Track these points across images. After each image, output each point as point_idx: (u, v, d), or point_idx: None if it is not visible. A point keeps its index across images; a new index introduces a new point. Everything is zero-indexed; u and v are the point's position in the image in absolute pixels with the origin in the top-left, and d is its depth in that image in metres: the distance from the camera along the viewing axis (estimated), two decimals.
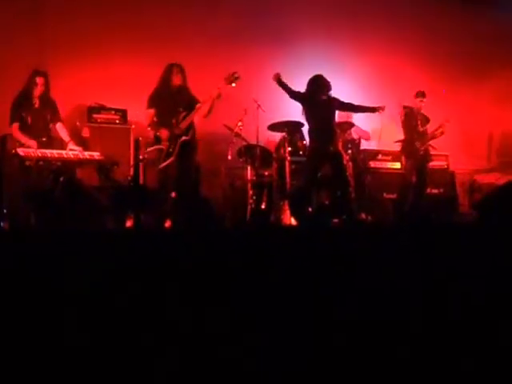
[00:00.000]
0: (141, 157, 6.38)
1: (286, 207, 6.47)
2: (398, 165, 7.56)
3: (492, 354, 1.93)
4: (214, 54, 7.43)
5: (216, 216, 5.59)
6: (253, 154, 6.77)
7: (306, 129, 6.52)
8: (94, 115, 6.76)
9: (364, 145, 7.87)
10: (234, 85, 5.94)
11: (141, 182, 6.44)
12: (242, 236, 2.95)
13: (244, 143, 6.79)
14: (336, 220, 6.10)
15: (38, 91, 5.78)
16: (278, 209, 6.60)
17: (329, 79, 6.17)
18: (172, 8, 7.58)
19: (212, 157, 7.05)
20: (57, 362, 1.79)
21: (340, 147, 6.28)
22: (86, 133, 6.49)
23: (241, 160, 6.81)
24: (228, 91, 6.02)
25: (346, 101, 6.32)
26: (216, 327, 1.91)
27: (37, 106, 5.81)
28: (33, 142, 5.57)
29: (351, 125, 7.35)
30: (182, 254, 2.29)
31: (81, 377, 1.77)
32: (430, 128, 7.30)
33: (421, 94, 7.27)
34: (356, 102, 6.41)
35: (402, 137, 7.34)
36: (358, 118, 7.57)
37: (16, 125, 5.69)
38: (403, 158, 7.31)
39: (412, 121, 7.23)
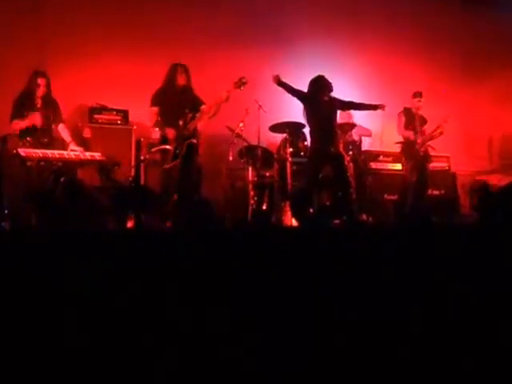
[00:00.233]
0: (142, 157, 6.39)
1: (287, 208, 6.47)
2: (398, 166, 7.55)
3: (492, 353, 1.93)
4: (215, 53, 7.44)
5: (216, 217, 5.58)
6: (254, 154, 6.77)
7: (307, 130, 6.52)
8: (96, 116, 6.77)
9: (365, 146, 7.88)
10: (242, 88, 5.98)
11: (142, 182, 6.45)
12: (242, 236, 2.95)
13: (245, 144, 6.79)
14: (337, 221, 6.10)
15: (40, 92, 5.80)
16: (279, 210, 6.60)
17: (329, 79, 6.17)
18: (173, 7, 7.59)
19: (213, 158, 7.05)
20: (57, 361, 1.79)
21: (341, 148, 6.28)
22: (87, 133, 6.50)
23: (242, 161, 6.81)
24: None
25: (347, 99, 6.33)
26: (216, 327, 1.91)
27: (39, 106, 5.83)
28: (36, 116, 5.58)
29: (352, 126, 7.36)
30: (182, 254, 2.29)
31: (81, 377, 1.77)
32: (428, 129, 7.30)
33: (418, 95, 7.27)
34: (356, 101, 6.43)
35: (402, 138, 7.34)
36: (358, 120, 7.57)
37: (17, 121, 5.69)
38: (404, 160, 7.31)
39: (411, 122, 7.23)
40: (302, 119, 6.38)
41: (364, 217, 6.70)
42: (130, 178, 6.26)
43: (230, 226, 6.26)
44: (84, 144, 6.13)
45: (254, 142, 6.85)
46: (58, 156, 5.53)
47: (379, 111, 6.46)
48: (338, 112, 6.39)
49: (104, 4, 7.25)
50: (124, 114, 6.88)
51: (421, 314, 2.10)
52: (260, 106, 6.87)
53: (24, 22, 6.79)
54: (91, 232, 3.46)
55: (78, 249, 2.26)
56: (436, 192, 7.80)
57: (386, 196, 7.56)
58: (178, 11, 7.60)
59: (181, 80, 6.08)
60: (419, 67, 8.44)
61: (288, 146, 6.72)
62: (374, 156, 7.74)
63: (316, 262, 2.36)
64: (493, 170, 8.65)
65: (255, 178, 6.72)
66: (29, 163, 5.39)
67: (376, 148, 7.94)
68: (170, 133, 5.97)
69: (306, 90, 6.23)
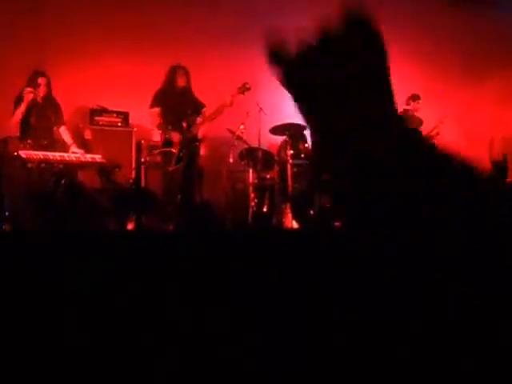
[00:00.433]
0: (142, 160, 6.40)
1: (288, 210, 6.46)
2: None
3: (492, 353, 1.92)
4: (215, 53, 7.44)
5: (217, 219, 5.59)
6: (254, 156, 6.77)
7: (308, 132, 6.51)
8: (96, 118, 6.78)
9: None
10: (245, 94, 6.01)
11: (142, 184, 6.45)
12: (242, 236, 2.95)
13: (246, 146, 6.79)
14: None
15: (41, 92, 5.80)
16: (279, 212, 6.59)
17: None
18: (173, 7, 7.60)
19: (214, 160, 7.05)
20: (57, 362, 1.79)
21: None
22: (88, 135, 6.50)
23: (242, 163, 6.81)
24: None
25: None
26: (216, 327, 1.91)
27: (40, 105, 5.83)
28: (29, 90, 5.56)
29: None
30: (182, 255, 2.29)
31: (81, 377, 1.77)
32: (424, 129, 7.29)
33: (416, 97, 7.29)
34: None
35: None
36: None
37: (16, 110, 5.67)
38: None
39: (411, 122, 7.24)
40: (303, 121, 6.37)
41: None
42: (131, 180, 6.27)
43: (231, 227, 6.26)
44: (85, 146, 6.15)
45: (255, 144, 6.85)
46: (58, 158, 5.55)
47: None
48: None
49: (104, 4, 7.26)
50: (124, 116, 6.88)
51: (421, 314, 2.10)
52: (261, 109, 6.87)
53: (24, 21, 6.79)
54: (91, 232, 3.47)
55: (78, 249, 2.26)
56: None
57: None
58: (177, 11, 7.60)
59: (181, 82, 6.09)
60: (419, 67, 8.44)
61: (289, 148, 6.72)
62: None
63: (315, 261, 2.36)
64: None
65: (256, 180, 6.72)
66: (30, 165, 5.40)
67: None
68: (175, 136, 5.98)
69: None
